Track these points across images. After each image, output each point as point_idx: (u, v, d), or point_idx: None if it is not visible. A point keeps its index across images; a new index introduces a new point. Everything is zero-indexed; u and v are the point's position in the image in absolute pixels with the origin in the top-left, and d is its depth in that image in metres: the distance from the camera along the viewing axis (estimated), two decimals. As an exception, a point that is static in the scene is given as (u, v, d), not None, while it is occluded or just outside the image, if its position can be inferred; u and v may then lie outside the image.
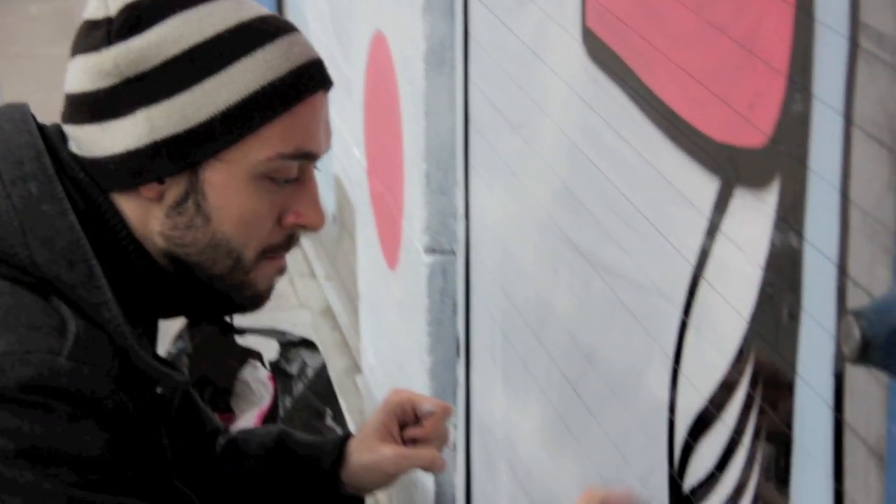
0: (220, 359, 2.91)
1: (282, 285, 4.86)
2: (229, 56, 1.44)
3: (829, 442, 1.30)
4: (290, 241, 1.51)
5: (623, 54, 1.73)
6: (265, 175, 1.46)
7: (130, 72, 1.44)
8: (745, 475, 1.47)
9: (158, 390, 1.45)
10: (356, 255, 3.23)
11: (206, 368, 2.86)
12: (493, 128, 2.31)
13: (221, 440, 1.73)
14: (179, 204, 1.46)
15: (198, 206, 1.46)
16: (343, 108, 3.59)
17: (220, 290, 1.49)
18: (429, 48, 2.50)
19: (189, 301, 1.52)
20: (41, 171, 1.44)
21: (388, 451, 1.67)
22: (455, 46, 2.48)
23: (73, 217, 1.43)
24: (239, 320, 2.98)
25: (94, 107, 1.46)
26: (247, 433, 1.76)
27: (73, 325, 1.40)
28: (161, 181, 1.46)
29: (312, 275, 4.23)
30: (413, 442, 1.71)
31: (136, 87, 1.44)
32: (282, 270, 1.53)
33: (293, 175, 1.48)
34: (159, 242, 1.48)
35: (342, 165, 3.73)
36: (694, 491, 1.59)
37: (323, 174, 4.04)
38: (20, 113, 1.49)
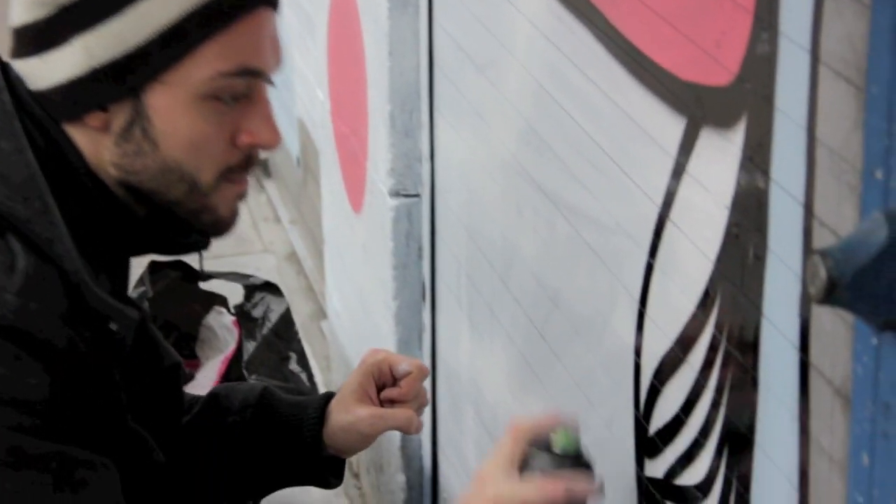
0: (184, 304, 2.89)
1: (246, 230, 4.83)
2: None
3: (795, 382, 1.29)
4: (248, 162, 1.49)
5: (588, -8, 1.71)
6: (210, 95, 1.44)
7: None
8: (711, 418, 1.47)
9: (113, 327, 1.43)
10: (321, 198, 3.21)
11: (170, 314, 2.84)
12: (457, 69, 2.29)
13: (201, 398, 1.72)
14: (126, 131, 1.45)
15: (144, 132, 1.44)
16: (306, 50, 3.55)
17: (180, 216, 1.48)
18: (392, -12, 2.47)
19: (152, 232, 1.51)
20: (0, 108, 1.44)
21: (364, 412, 1.66)
22: (419, -14, 2.45)
23: (29, 154, 1.42)
24: (203, 265, 2.95)
25: (34, 38, 1.44)
26: (229, 388, 1.74)
27: (22, 261, 1.38)
28: (105, 109, 1.44)
29: (277, 219, 4.20)
30: (391, 403, 1.70)
31: (72, 15, 1.42)
32: (242, 195, 1.51)
33: (240, 93, 1.45)
34: (113, 172, 1.46)
35: (306, 108, 3.69)
36: (659, 433, 1.59)
37: (286, 116, 4.02)
38: None
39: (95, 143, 1.46)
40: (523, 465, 1.43)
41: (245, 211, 4.30)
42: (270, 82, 1.50)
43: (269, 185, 4.36)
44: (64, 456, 1.37)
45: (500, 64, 2.07)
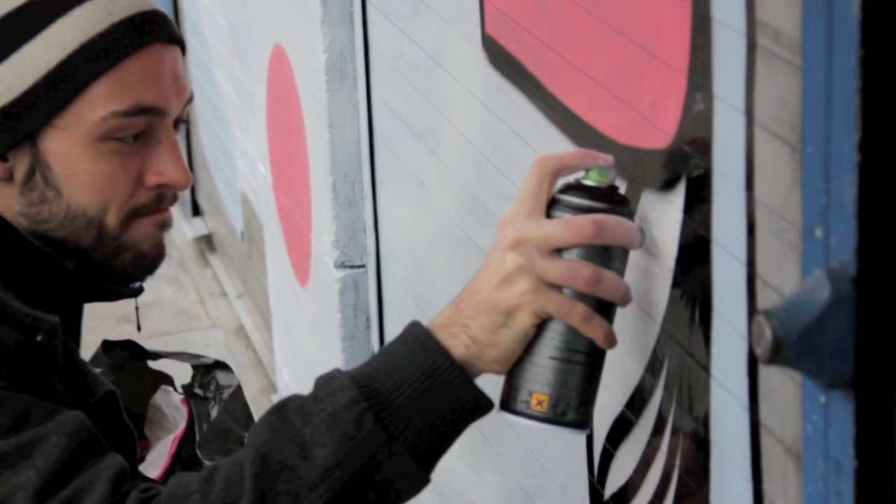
0: (131, 384, 2.85)
1: (192, 305, 4.81)
2: (44, 19, 1.42)
3: (747, 443, 1.29)
4: (159, 202, 1.48)
5: (524, 59, 1.72)
6: (106, 136, 1.43)
7: None
8: (665, 479, 1.46)
9: (39, 338, 1.41)
10: (267, 272, 3.19)
11: (118, 392, 2.81)
12: (397, 138, 2.29)
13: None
14: (28, 179, 1.44)
15: (45, 179, 1.44)
16: (246, 124, 3.55)
17: (98, 262, 1.47)
18: (329, 59, 2.47)
19: (81, 281, 1.49)
20: None
21: None
22: (356, 57, 2.45)
23: None
24: (150, 345, 2.93)
25: None
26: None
27: None
28: (4, 159, 1.44)
29: (223, 294, 4.18)
30: None
31: None
32: (163, 224, 1.49)
33: (138, 132, 1.44)
34: (23, 223, 1.46)
35: (248, 182, 3.68)
36: (615, 497, 1.58)
37: (229, 190, 4.01)
38: None
39: (3, 195, 1.46)
40: (550, 205, 1.30)
41: (191, 287, 4.28)
42: (179, 120, 1.49)
43: (215, 260, 4.34)
44: (14, 398, 1.32)
45: (440, 132, 2.07)
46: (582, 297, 1.28)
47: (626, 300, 1.31)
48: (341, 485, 1.25)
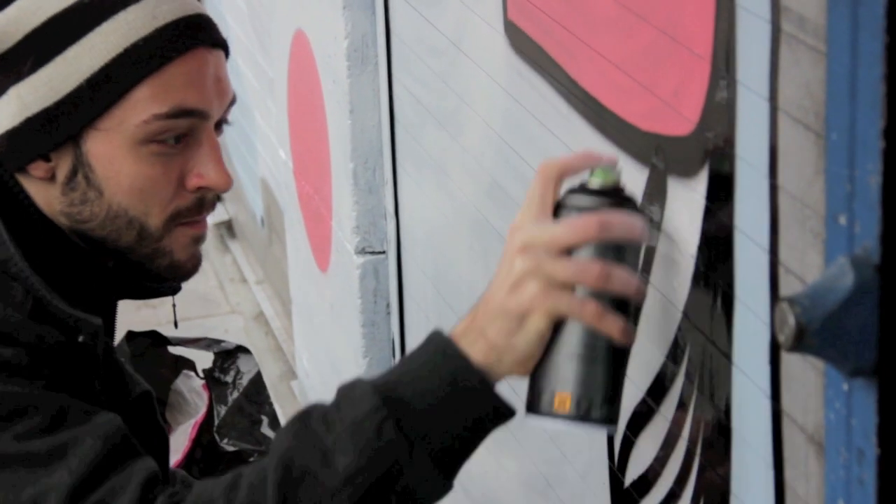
0: (153, 370, 2.86)
1: (212, 291, 4.82)
2: (90, 22, 1.42)
3: (768, 431, 1.29)
4: (200, 205, 1.48)
5: (546, 45, 1.71)
6: (149, 139, 1.43)
7: None
8: (686, 468, 1.46)
9: (80, 339, 1.42)
10: (286, 258, 3.20)
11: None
12: (419, 124, 2.29)
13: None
14: (70, 180, 1.45)
15: (87, 180, 1.44)
16: (267, 110, 3.55)
17: (135, 262, 1.47)
18: (350, 45, 2.47)
19: (118, 278, 1.50)
20: None
21: None
22: (377, 43, 2.45)
23: None
24: (171, 331, 2.94)
25: None
26: None
27: None
28: (47, 159, 1.45)
29: (243, 280, 4.18)
30: None
31: (4, 66, 1.43)
32: (199, 237, 1.50)
33: (181, 134, 1.44)
34: (64, 222, 1.47)
35: (269, 168, 3.69)
36: (635, 485, 1.58)
37: (249, 177, 4.01)
38: None
39: (46, 193, 1.46)
40: (557, 210, 1.30)
41: (211, 272, 4.29)
42: (222, 123, 1.49)
43: (234, 246, 4.35)
44: (52, 399, 1.33)
45: (461, 119, 2.07)
46: (595, 296, 1.28)
47: (639, 295, 1.30)
48: (363, 491, 1.26)
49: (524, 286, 1.27)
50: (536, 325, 1.27)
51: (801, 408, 1.23)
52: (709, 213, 1.36)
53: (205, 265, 4.81)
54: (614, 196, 1.30)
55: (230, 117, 1.52)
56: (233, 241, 4.37)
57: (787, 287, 1.23)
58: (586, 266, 1.26)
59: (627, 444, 1.57)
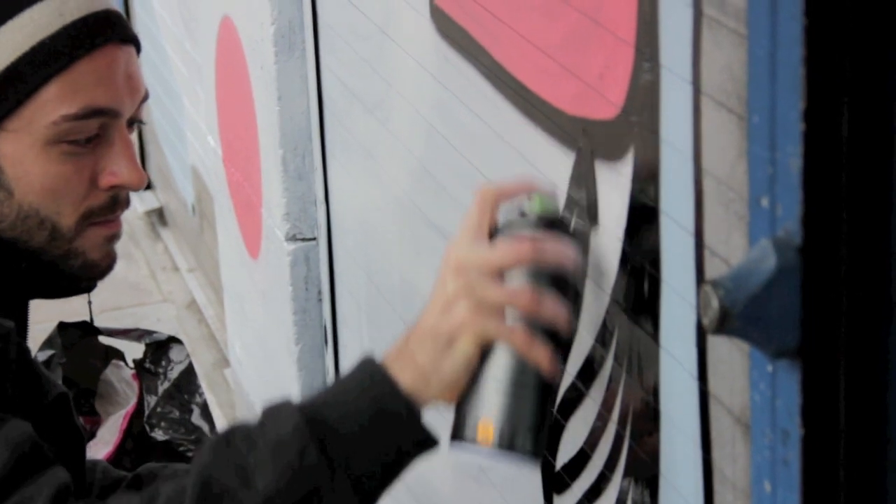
0: (84, 360, 2.84)
1: (144, 280, 4.78)
2: None
3: (696, 412, 1.29)
4: (114, 204, 1.46)
5: (471, 29, 1.71)
6: (59, 139, 1.41)
7: None
8: (615, 450, 1.46)
9: None
10: (218, 245, 3.18)
11: (69, 370, 2.79)
12: (347, 110, 2.28)
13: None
14: None
15: None
16: (196, 96, 3.52)
17: (48, 263, 1.45)
18: (277, 31, 2.45)
19: (28, 278, 1.47)
20: None
21: None
22: (304, 29, 2.44)
23: None
24: (102, 320, 2.91)
25: None
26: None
27: None
28: None
29: (175, 268, 4.15)
30: None
31: None
32: (113, 236, 1.48)
33: (91, 134, 1.42)
34: None
35: (198, 155, 3.66)
36: (566, 468, 1.58)
37: (180, 164, 3.98)
38: None
39: None
40: (494, 235, 1.29)
41: (143, 261, 4.26)
42: (134, 120, 1.47)
43: (166, 234, 4.31)
44: None
45: (389, 104, 2.06)
46: (525, 325, 1.27)
47: (567, 326, 1.29)
48: None
49: (455, 307, 1.26)
50: (464, 348, 1.26)
51: (727, 389, 1.24)
52: (634, 197, 1.36)
53: (136, 253, 4.80)
54: (551, 224, 1.29)
55: (142, 115, 1.49)
56: (164, 229, 4.33)
57: (713, 270, 1.23)
58: (518, 291, 1.26)
59: (558, 428, 1.58)
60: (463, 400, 1.29)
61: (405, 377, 1.27)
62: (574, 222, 1.46)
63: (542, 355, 1.27)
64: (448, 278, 1.27)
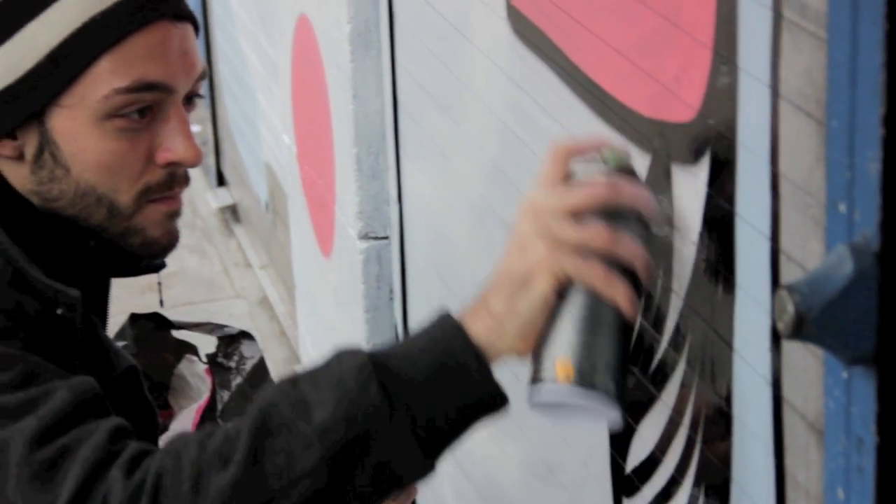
0: (156, 353, 2.86)
1: (217, 275, 4.83)
2: None
3: (769, 418, 1.29)
4: (171, 181, 1.46)
5: (548, 30, 1.71)
6: (112, 114, 1.42)
7: None
8: (687, 454, 1.46)
9: (59, 311, 1.41)
10: (290, 242, 3.20)
11: (143, 364, 2.81)
12: (421, 109, 2.28)
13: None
14: (38, 158, 1.44)
15: (54, 158, 1.44)
16: (271, 94, 3.54)
17: (109, 241, 1.47)
18: (354, 30, 2.47)
19: (97, 255, 1.49)
20: None
21: None
22: (380, 27, 2.45)
23: None
24: (174, 315, 2.95)
25: None
26: None
27: None
28: (13, 137, 1.44)
29: (248, 264, 4.18)
30: None
31: None
32: (173, 214, 1.48)
33: (143, 106, 1.42)
34: (35, 201, 1.46)
35: (273, 152, 3.68)
36: (636, 472, 1.58)
37: (254, 160, 4.01)
38: None
39: (17, 173, 1.46)
40: (566, 184, 1.28)
41: (216, 257, 4.29)
42: (192, 95, 1.48)
43: (239, 231, 4.35)
44: (27, 358, 1.33)
45: (464, 104, 2.06)
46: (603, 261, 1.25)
47: (645, 267, 1.27)
48: (336, 448, 1.22)
49: (531, 248, 1.25)
50: (541, 287, 1.24)
51: (801, 395, 1.23)
52: (710, 200, 1.35)
53: (209, 249, 4.84)
54: (625, 173, 1.28)
55: (199, 90, 1.49)
56: (237, 226, 4.37)
57: (789, 274, 1.22)
58: (594, 229, 1.24)
59: (629, 431, 1.58)
60: (540, 344, 1.26)
61: (478, 328, 1.25)
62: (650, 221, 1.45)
63: (620, 293, 1.24)
64: (524, 223, 1.26)
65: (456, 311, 1.28)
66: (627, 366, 1.29)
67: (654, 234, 1.30)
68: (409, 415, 1.23)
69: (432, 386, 1.24)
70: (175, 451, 1.26)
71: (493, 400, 1.26)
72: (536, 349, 1.27)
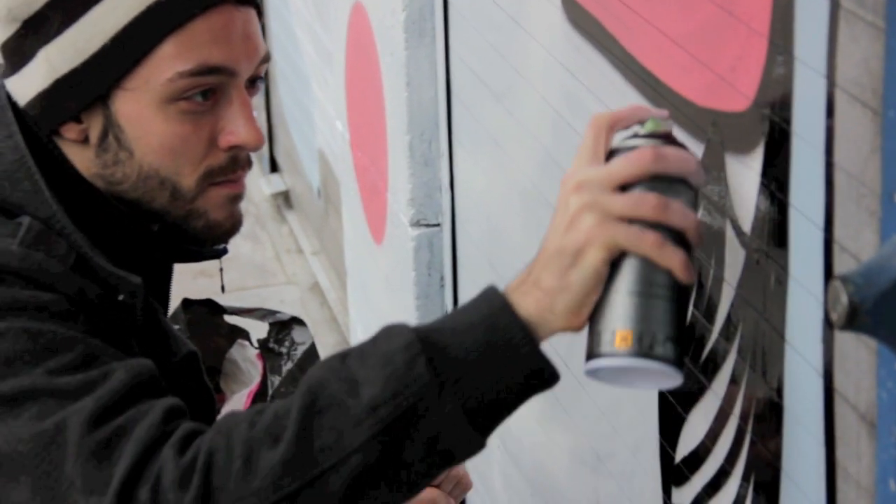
0: (208, 338, 2.88)
1: (268, 261, 4.85)
2: None
3: (820, 409, 1.28)
4: (234, 164, 1.47)
5: (603, 19, 1.71)
6: (175, 97, 1.43)
7: (24, 14, 1.44)
8: (737, 445, 1.45)
9: (120, 297, 1.43)
10: (342, 229, 3.21)
11: (199, 353, 2.84)
12: (475, 97, 2.29)
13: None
14: (102, 141, 1.45)
15: (118, 141, 1.45)
16: (325, 81, 3.56)
17: (172, 224, 1.48)
18: (408, 17, 2.47)
19: (160, 240, 1.51)
20: None
21: None
22: (435, 15, 2.45)
23: (19, 139, 1.44)
24: (227, 300, 2.96)
25: (10, 56, 1.47)
26: None
27: (27, 220, 1.40)
28: (78, 120, 1.45)
29: (300, 250, 4.20)
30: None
31: (33, 29, 1.44)
32: (236, 196, 1.49)
33: (206, 89, 1.43)
34: (100, 185, 1.47)
35: (326, 139, 3.70)
36: (685, 461, 1.58)
37: (307, 148, 4.03)
38: None
39: (81, 156, 1.47)
40: (609, 157, 1.26)
41: (268, 243, 4.32)
42: (255, 79, 1.48)
43: (291, 217, 4.37)
44: (87, 340, 1.34)
45: (518, 92, 2.07)
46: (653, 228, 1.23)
47: (697, 231, 1.25)
48: (385, 424, 1.22)
49: (580, 221, 1.23)
50: (593, 259, 1.22)
51: (853, 386, 1.22)
52: (764, 190, 1.35)
53: (262, 235, 4.87)
54: (667, 139, 1.27)
55: (262, 74, 1.49)
56: (290, 212, 4.39)
57: (842, 265, 1.22)
58: (643, 197, 1.22)
59: (678, 420, 1.57)
60: (594, 318, 1.24)
61: (527, 304, 1.23)
62: (702, 215, 1.45)
63: (675, 259, 1.22)
64: (569, 198, 1.24)
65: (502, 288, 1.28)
66: (685, 331, 1.27)
67: (703, 196, 1.28)
68: (458, 391, 1.22)
69: (481, 363, 1.23)
70: (226, 429, 1.27)
71: (543, 375, 1.25)
72: (592, 322, 1.25)
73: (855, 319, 1.06)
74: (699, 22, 1.45)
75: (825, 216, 1.24)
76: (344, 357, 1.27)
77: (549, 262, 1.24)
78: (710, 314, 1.48)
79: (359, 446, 1.23)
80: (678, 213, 1.23)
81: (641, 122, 1.29)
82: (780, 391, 1.35)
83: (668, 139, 1.27)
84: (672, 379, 1.25)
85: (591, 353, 1.25)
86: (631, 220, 1.23)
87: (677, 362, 1.24)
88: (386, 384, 1.23)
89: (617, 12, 1.66)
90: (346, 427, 1.23)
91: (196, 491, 1.23)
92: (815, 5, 1.22)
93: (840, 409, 1.25)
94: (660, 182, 1.23)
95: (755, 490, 1.43)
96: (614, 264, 1.23)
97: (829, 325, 1.25)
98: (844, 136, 1.20)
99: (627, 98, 1.64)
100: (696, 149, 1.48)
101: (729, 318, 1.44)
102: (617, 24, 1.66)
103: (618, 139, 1.28)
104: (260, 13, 1.51)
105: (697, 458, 1.54)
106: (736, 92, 1.38)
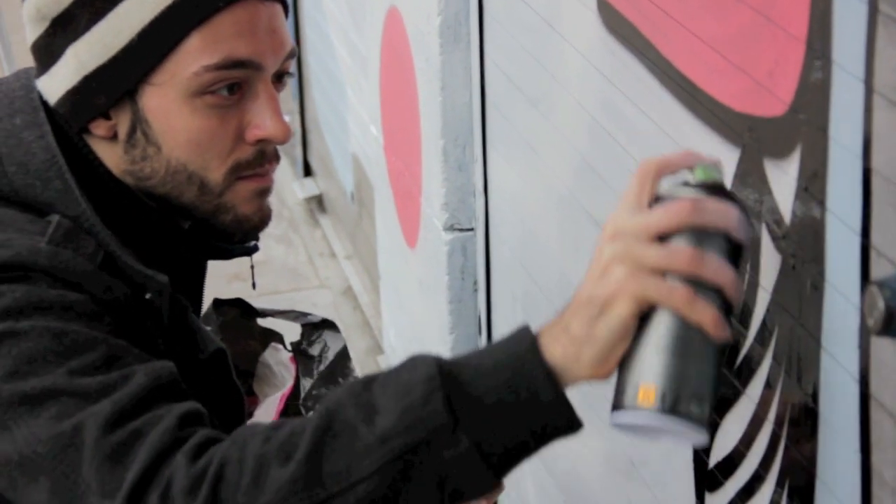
0: (241, 341, 2.89)
1: (301, 265, 4.86)
2: None
3: (856, 415, 1.28)
4: (261, 158, 1.47)
5: (639, 24, 1.71)
6: (202, 91, 1.44)
7: (53, 12, 1.45)
8: (771, 450, 1.45)
9: (147, 296, 1.43)
10: (375, 233, 3.22)
11: (228, 350, 2.84)
12: (509, 102, 2.29)
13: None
14: (130, 136, 1.46)
15: (146, 136, 1.46)
16: (359, 86, 3.56)
17: (201, 220, 1.48)
18: (443, 22, 2.48)
19: (190, 238, 1.51)
20: (28, 104, 1.47)
21: None
22: (470, 20, 2.45)
23: (50, 139, 1.45)
24: (259, 303, 2.97)
25: (41, 55, 1.48)
26: None
27: (57, 218, 1.41)
28: (107, 116, 1.46)
29: (332, 254, 4.21)
30: None
31: (62, 27, 1.45)
32: (264, 191, 1.49)
33: (232, 83, 1.44)
34: (129, 181, 1.48)
35: (360, 144, 3.71)
36: (719, 466, 1.57)
37: (341, 152, 4.04)
38: (25, 71, 1.53)
39: (111, 153, 1.48)
40: (654, 204, 1.23)
41: (301, 246, 4.33)
42: (282, 73, 1.48)
43: (324, 221, 4.38)
44: (111, 341, 1.35)
45: (553, 97, 2.07)
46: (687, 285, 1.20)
47: (733, 287, 1.21)
48: (395, 456, 1.21)
49: (611, 272, 1.21)
50: (620, 311, 1.20)
51: (890, 392, 1.22)
52: (800, 195, 1.35)
53: (295, 239, 4.87)
54: (715, 191, 1.23)
55: (289, 69, 1.50)
56: (323, 216, 4.40)
57: (879, 271, 1.22)
58: (677, 250, 1.20)
59: (713, 426, 1.57)
60: (623, 368, 1.22)
61: (556, 350, 1.21)
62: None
63: (706, 315, 1.19)
64: (605, 246, 1.22)
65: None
66: (716, 388, 1.23)
67: (744, 252, 1.25)
68: (474, 430, 1.21)
69: (500, 406, 1.21)
70: (241, 441, 1.27)
71: (563, 424, 1.23)
72: (621, 372, 1.23)
73: (891, 325, 1.06)
74: (736, 26, 1.45)
75: (862, 221, 1.24)
76: (369, 382, 1.26)
77: (579, 309, 1.22)
78: (745, 319, 1.47)
79: (367, 475, 1.22)
80: (714, 268, 1.20)
81: (691, 169, 1.25)
82: (815, 397, 1.35)
83: (718, 190, 1.23)
84: (695, 438, 1.22)
85: (616, 405, 1.23)
86: (665, 273, 1.20)
87: (701, 421, 1.20)
88: (401, 416, 1.22)
89: (653, 16, 1.66)
90: (356, 454, 1.22)
91: (203, 500, 1.24)
92: (853, 9, 1.21)
93: (876, 414, 1.25)
94: (699, 234, 1.20)
95: (789, 496, 1.42)
96: (645, 316, 1.21)
97: (865, 330, 1.25)
98: (882, 140, 1.20)
99: (664, 103, 1.64)
100: (733, 154, 1.47)
101: (764, 324, 1.44)
102: (653, 29, 1.67)
103: (665, 185, 1.25)
104: (285, 8, 1.51)
105: (731, 463, 1.54)
106: (773, 97, 1.38)
